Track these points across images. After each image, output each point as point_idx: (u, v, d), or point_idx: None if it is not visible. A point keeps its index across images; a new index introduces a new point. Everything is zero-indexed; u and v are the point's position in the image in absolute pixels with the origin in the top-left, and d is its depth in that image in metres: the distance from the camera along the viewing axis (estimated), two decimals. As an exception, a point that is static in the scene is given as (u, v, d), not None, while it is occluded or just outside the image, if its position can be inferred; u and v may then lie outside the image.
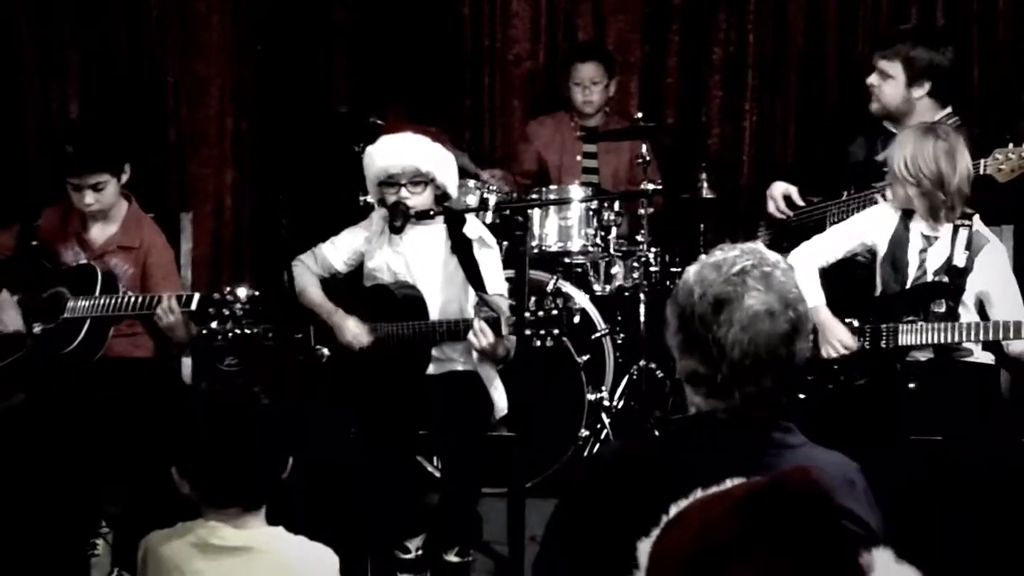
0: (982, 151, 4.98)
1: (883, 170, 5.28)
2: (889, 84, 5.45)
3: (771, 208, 5.74)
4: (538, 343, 4.76)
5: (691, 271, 2.44)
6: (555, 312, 4.77)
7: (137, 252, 5.22)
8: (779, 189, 5.73)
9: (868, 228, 5.01)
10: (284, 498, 3.09)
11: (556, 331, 4.77)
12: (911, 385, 4.78)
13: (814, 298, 4.82)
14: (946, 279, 4.81)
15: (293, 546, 3.01)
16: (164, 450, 3.04)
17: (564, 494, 2.54)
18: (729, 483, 1.67)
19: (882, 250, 4.96)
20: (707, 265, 2.42)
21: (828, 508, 1.58)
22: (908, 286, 4.89)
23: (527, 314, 4.67)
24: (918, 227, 4.91)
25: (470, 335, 4.93)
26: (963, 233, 4.83)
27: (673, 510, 1.69)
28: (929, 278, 4.85)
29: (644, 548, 1.67)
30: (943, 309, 4.80)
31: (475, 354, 5.06)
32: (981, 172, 4.94)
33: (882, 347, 4.84)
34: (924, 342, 4.77)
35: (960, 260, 4.81)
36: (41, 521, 4.75)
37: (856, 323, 4.88)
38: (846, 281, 5.08)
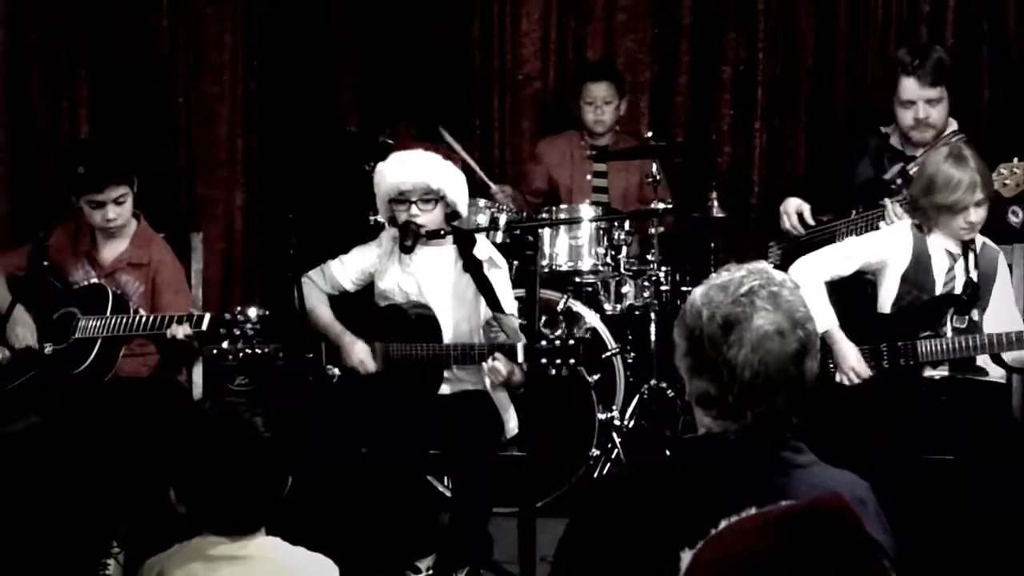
0: (990, 168, 5.01)
1: (892, 187, 5.29)
2: (939, 108, 5.44)
3: (784, 224, 5.74)
4: (553, 372, 4.75)
5: (697, 292, 2.43)
6: (572, 343, 4.76)
7: (147, 269, 5.24)
8: (793, 205, 5.73)
9: (883, 246, 5.00)
10: (291, 517, 3.09)
11: (572, 361, 4.76)
12: (925, 404, 4.80)
13: (826, 320, 4.82)
14: (965, 296, 4.85)
15: (292, 554, 3.02)
16: (164, 470, 3.04)
17: (575, 516, 2.53)
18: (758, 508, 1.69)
19: (900, 268, 4.96)
20: (714, 286, 2.41)
21: (857, 536, 1.58)
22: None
23: (544, 343, 4.67)
24: (940, 245, 4.93)
25: (485, 370, 4.94)
26: (971, 254, 4.90)
27: (694, 531, 1.70)
28: (957, 292, 4.89)
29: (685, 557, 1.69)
30: (964, 325, 4.83)
31: (487, 380, 5.06)
32: None
33: (901, 364, 4.84)
34: (943, 356, 4.79)
35: (974, 275, 4.86)
36: (52, 540, 4.75)
37: (871, 347, 4.89)
38: (853, 299, 5.08)
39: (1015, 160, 4.97)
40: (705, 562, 1.63)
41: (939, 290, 4.93)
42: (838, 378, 4.86)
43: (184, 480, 2.97)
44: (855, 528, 1.59)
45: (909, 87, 5.43)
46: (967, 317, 4.86)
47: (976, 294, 4.88)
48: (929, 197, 4.84)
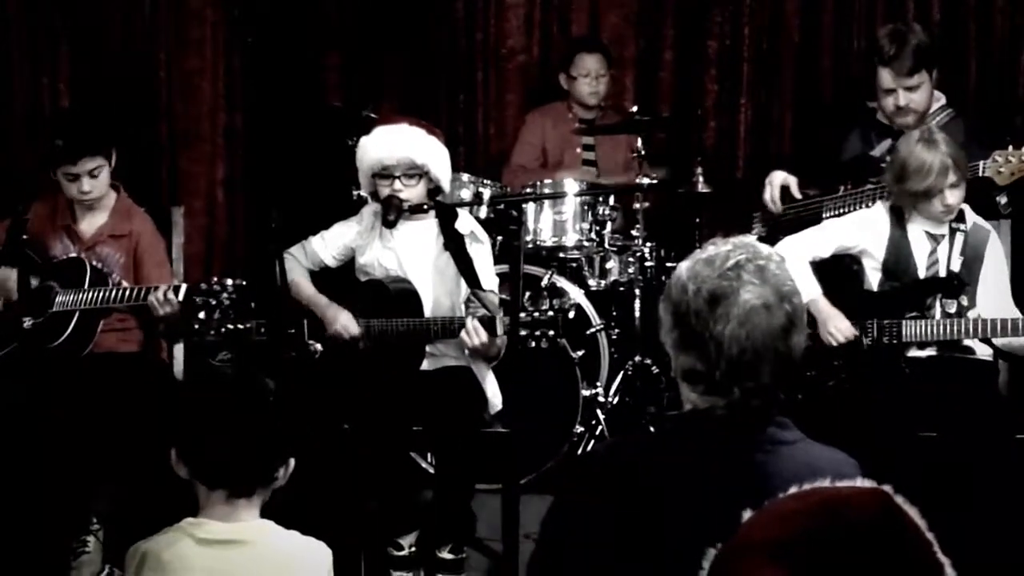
0: (979, 146, 4.99)
1: (881, 165, 5.26)
2: (921, 92, 5.39)
3: (766, 196, 5.69)
4: (533, 344, 4.73)
5: (683, 267, 2.41)
6: (551, 314, 4.74)
7: (127, 240, 5.23)
8: (778, 178, 5.69)
9: (859, 232, 5.00)
10: (278, 494, 3.07)
11: (551, 333, 4.74)
12: (911, 382, 4.79)
13: (811, 290, 4.81)
14: (955, 281, 4.84)
15: (284, 538, 3.00)
16: (166, 430, 3.02)
17: (559, 492, 2.51)
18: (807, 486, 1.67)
19: (879, 253, 4.95)
20: (699, 261, 2.38)
21: (900, 532, 1.56)
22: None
23: (522, 315, 4.64)
24: (919, 227, 4.92)
25: (462, 334, 4.90)
26: (959, 237, 4.89)
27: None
28: (941, 276, 4.88)
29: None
30: (953, 310, 4.83)
31: (466, 339, 5.03)
32: (980, 174, 4.96)
33: (884, 343, 4.84)
34: (928, 338, 4.79)
35: (956, 264, 4.86)
36: (27, 518, 4.73)
37: (856, 323, 4.88)
38: (839, 276, 5.06)
39: (1010, 148, 4.95)
40: (740, 547, 1.61)
41: (922, 274, 4.93)
42: (824, 340, 4.84)
43: (189, 437, 2.95)
44: (899, 524, 1.56)
45: (886, 77, 5.39)
46: (955, 301, 4.85)
47: (962, 280, 4.87)
48: (902, 184, 4.83)
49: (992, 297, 4.92)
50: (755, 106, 7.07)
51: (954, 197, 4.80)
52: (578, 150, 6.88)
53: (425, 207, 5.11)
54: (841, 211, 5.34)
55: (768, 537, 1.57)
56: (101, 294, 4.95)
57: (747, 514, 1.64)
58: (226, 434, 2.92)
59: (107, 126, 5.22)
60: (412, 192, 5.10)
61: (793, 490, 1.65)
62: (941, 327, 4.78)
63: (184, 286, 4.80)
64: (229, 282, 4.76)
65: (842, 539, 1.53)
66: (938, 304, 4.88)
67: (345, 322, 5.13)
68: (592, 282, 6.34)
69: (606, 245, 6.22)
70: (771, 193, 5.67)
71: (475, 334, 4.86)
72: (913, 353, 4.86)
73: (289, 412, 3.04)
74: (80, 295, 4.98)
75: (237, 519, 2.94)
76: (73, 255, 5.18)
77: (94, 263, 5.11)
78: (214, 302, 4.73)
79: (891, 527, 1.56)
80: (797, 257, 4.81)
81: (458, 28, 7.27)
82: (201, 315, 4.76)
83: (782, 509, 1.61)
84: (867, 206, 5.18)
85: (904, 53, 5.32)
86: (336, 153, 6.25)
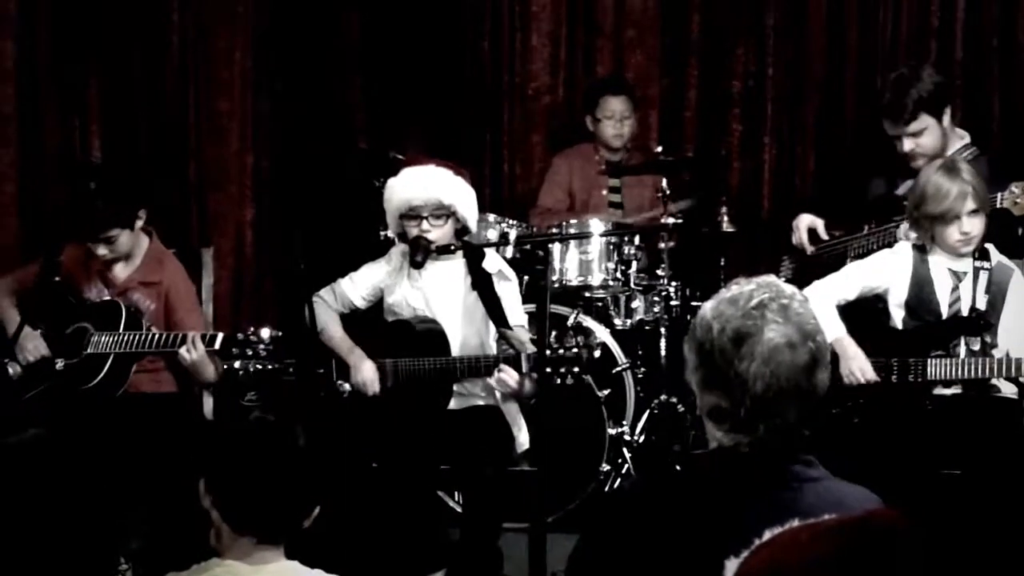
0: (1001, 180, 5.00)
1: (904, 203, 5.28)
2: (927, 136, 5.40)
3: (795, 240, 5.72)
4: (558, 381, 4.75)
5: (707, 307, 2.44)
6: (576, 351, 4.76)
7: (159, 287, 5.24)
8: (805, 222, 5.71)
9: (881, 271, 5.00)
10: (305, 534, 3.08)
11: (577, 370, 4.76)
12: (935, 419, 4.79)
13: (836, 330, 4.83)
14: (982, 321, 4.84)
15: None
16: (196, 470, 3.02)
17: (586, 531, 2.53)
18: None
19: (902, 291, 4.96)
20: (724, 300, 2.41)
21: (914, 549, 1.59)
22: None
23: (548, 352, 4.67)
24: (942, 264, 4.92)
25: (492, 382, 4.93)
26: (983, 275, 4.88)
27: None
28: (964, 314, 4.87)
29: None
30: (977, 347, 4.82)
31: (497, 392, 5.06)
32: (997, 206, 4.95)
33: (909, 381, 4.83)
34: (953, 377, 4.78)
35: (981, 302, 4.85)
36: (60, 556, 4.75)
37: (882, 361, 4.89)
38: (864, 314, 5.07)
39: None
40: (753, 572, 1.63)
41: (945, 311, 4.92)
42: (845, 378, 4.85)
43: (219, 471, 2.96)
44: (911, 541, 1.59)
45: (888, 127, 5.42)
46: (979, 339, 4.85)
47: (988, 320, 4.87)
48: (921, 208, 4.85)
49: (1016, 334, 4.91)
50: (779, 145, 7.09)
51: (971, 225, 4.80)
52: (604, 192, 6.90)
53: (452, 247, 5.14)
54: (866, 251, 5.35)
55: (793, 560, 1.59)
56: (136, 337, 4.98)
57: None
58: (261, 488, 2.91)
59: (125, 198, 5.19)
60: (439, 232, 5.13)
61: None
62: (967, 366, 4.77)
63: (220, 335, 4.83)
64: (266, 334, 4.79)
65: (875, 551, 1.56)
66: (963, 342, 4.88)
67: (366, 378, 5.15)
68: (618, 321, 6.36)
69: (632, 284, 6.24)
70: (798, 236, 5.69)
71: (504, 384, 4.90)
72: (938, 391, 4.86)
73: (319, 458, 3.05)
74: (115, 337, 5.01)
75: (263, 561, 2.94)
76: (107, 298, 5.22)
77: (128, 307, 5.14)
78: (250, 352, 4.76)
79: (916, 540, 1.59)
80: (822, 298, 4.82)
81: (484, 69, 7.32)
82: (236, 364, 4.79)
83: (813, 530, 1.64)
84: (890, 244, 5.20)
85: (899, 103, 5.34)
86: (363, 194, 6.28)
